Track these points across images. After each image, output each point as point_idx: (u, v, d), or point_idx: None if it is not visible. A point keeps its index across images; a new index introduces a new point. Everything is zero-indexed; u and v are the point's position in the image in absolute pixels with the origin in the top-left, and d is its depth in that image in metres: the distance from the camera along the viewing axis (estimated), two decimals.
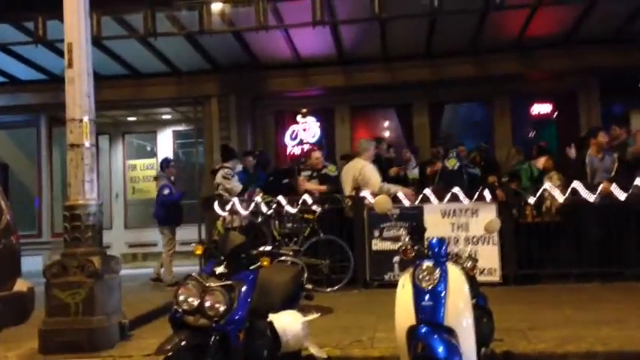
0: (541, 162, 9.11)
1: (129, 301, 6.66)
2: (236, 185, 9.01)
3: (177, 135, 13.80)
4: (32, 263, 6.87)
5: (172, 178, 10.06)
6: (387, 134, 12.49)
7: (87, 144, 5.74)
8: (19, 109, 12.25)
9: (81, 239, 5.65)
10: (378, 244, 8.08)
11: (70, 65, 5.75)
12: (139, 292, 8.90)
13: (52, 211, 12.57)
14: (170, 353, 3.32)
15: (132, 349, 5.44)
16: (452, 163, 9.19)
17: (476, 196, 7.96)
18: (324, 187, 8.72)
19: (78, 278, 5.52)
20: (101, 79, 8.74)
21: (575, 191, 7.75)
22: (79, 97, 5.73)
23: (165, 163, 10.29)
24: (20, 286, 4.65)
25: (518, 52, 11.02)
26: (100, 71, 9.18)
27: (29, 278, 4.86)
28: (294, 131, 12.60)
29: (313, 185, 8.81)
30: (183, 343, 3.39)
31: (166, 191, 9.72)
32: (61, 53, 7.45)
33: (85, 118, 5.73)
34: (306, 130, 12.56)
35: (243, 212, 8.54)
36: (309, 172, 9.04)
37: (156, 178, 10.71)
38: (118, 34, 9.15)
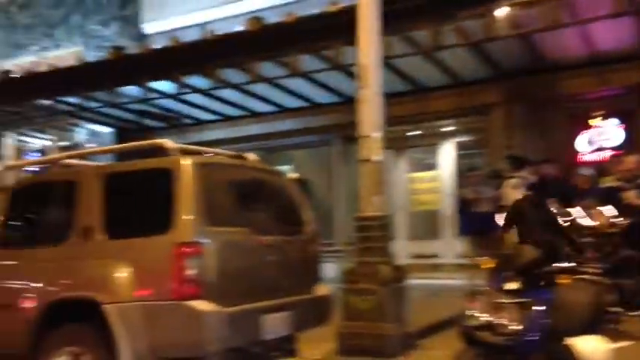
0: None
1: (412, 311, 6.79)
2: None
3: (458, 146, 13.75)
4: (328, 270, 7.48)
5: (474, 186, 9.80)
6: None
7: (376, 159, 6.07)
8: (317, 130, 13.65)
9: (371, 249, 5.99)
10: None
11: (363, 86, 6.18)
12: (421, 302, 9.00)
13: (345, 222, 13.64)
14: None
15: (419, 358, 5.52)
16: None
17: None
18: None
19: (369, 285, 5.86)
20: (386, 96, 9.18)
21: None
22: (371, 115, 6.11)
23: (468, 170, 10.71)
24: (321, 290, 5.08)
25: None
26: (385, 89, 9.66)
27: (326, 284, 5.27)
28: (588, 136, 11.47)
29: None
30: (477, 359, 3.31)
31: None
32: (351, 75, 8.04)
33: (375, 135, 6.08)
34: (602, 135, 11.32)
35: None
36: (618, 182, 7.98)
37: None
38: (401, 51, 9.50)
